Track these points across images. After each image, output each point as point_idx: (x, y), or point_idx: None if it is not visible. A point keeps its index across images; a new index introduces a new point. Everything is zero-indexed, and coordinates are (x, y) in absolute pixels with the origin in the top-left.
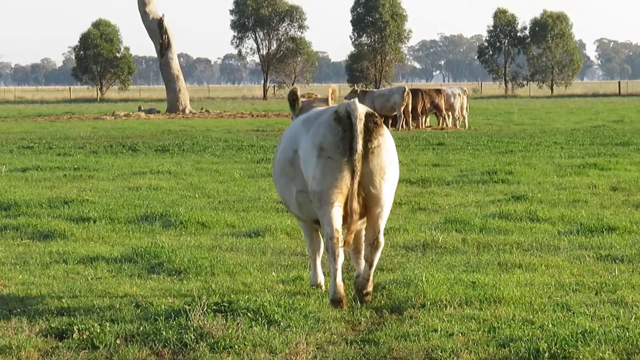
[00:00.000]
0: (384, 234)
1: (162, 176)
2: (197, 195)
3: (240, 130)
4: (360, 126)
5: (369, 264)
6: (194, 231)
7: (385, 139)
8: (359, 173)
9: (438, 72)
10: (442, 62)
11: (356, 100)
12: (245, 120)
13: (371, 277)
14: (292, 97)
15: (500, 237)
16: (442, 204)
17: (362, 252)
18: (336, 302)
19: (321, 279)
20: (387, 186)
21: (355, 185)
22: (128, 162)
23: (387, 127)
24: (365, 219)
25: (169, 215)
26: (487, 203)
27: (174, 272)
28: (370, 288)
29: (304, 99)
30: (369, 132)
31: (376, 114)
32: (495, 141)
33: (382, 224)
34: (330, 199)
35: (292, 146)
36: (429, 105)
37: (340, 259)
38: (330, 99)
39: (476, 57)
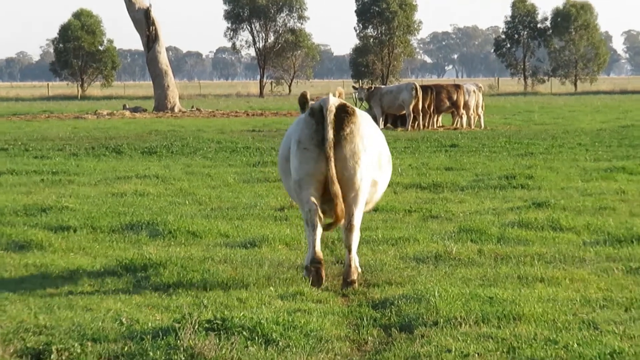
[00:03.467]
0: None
1: (149, 181)
2: (187, 202)
3: (234, 131)
4: (330, 117)
5: (348, 248)
6: (184, 241)
7: (359, 127)
8: (332, 159)
9: (451, 66)
10: (455, 56)
11: (331, 95)
12: (239, 120)
13: (352, 264)
14: (302, 100)
15: (520, 248)
16: (455, 212)
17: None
18: (315, 262)
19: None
20: (362, 171)
21: (332, 171)
22: (111, 165)
23: (396, 127)
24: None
25: (156, 224)
26: (505, 210)
27: (162, 287)
28: (354, 276)
29: (313, 102)
30: (340, 122)
31: (349, 106)
32: (514, 142)
33: (357, 208)
34: (307, 184)
35: (287, 144)
36: (447, 102)
37: (319, 230)
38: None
39: (492, 50)
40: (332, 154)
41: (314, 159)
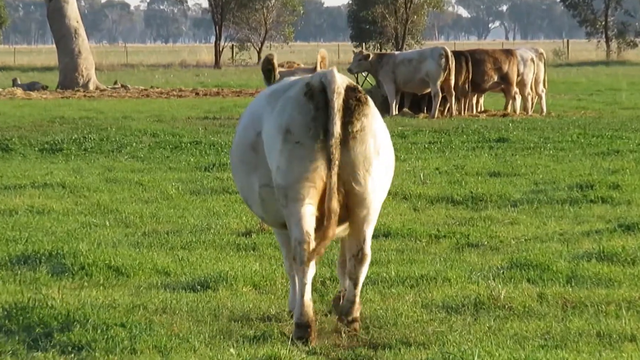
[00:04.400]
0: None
1: (51, 192)
2: (107, 223)
3: (177, 118)
4: (338, 103)
5: (354, 282)
6: (102, 281)
7: (372, 121)
8: (337, 163)
9: (497, 23)
10: (504, 8)
11: (335, 69)
12: (186, 102)
13: (357, 299)
14: (267, 67)
15: (601, 292)
16: (505, 238)
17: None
18: (302, 326)
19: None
20: (375, 182)
21: (334, 178)
22: None
23: (418, 112)
24: (346, 225)
25: (62, 256)
26: (578, 236)
27: (71, 348)
28: (357, 313)
29: (282, 69)
30: (350, 111)
31: (359, 88)
32: (592, 135)
33: (369, 230)
34: (298, 195)
35: (254, 126)
36: (492, 76)
37: (311, 272)
38: (319, 68)
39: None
40: (338, 156)
41: (310, 158)
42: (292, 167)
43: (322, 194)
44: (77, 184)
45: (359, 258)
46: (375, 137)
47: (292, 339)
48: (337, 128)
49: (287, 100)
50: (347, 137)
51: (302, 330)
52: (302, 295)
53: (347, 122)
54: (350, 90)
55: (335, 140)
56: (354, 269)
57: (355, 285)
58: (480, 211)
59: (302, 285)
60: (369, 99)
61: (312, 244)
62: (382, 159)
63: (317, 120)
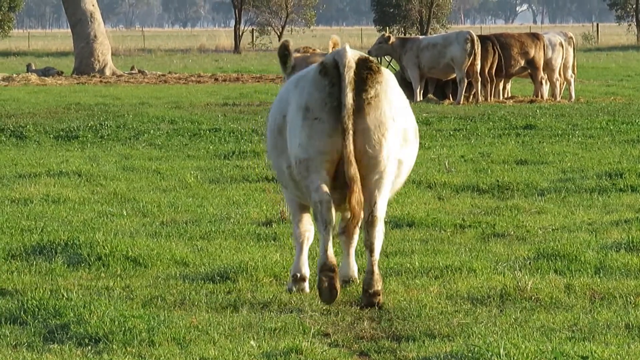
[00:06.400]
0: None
1: (67, 180)
2: (125, 213)
3: (196, 105)
4: (349, 75)
5: (369, 249)
6: (120, 272)
7: (386, 88)
8: (350, 132)
9: (525, 6)
10: None
11: (347, 46)
12: (204, 88)
13: (376, 269)
14: (283, 52)
15: (630, 283)
16: (532, 228)
17: (353, 240)
18: (327, 269)
19: (306, 270)
20: (389, 146)
21: (350, 147)
22: (10, 157)
23: (443, 98)
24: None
25: (78, 246)
26: (607, 225)
27: (88, 340)
28: (378, 286)
29: (297, 55)
30: (363, 81)
31: (371, 60)
32: (621, 122)
33: (381, 195)
34: (319, 166)
35: (281, 111)
36: (519, 61)
37: (331, 228)
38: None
39: None
40: (351, 125)
41: (328, 132)
42: (312, 141)
43: (336, 167)
44: (94, 173)
45: (370, 221)
46: (391, 104)
47: (321, 293)
48: (348, 99)
49: (305, 81)
50: (362, 104)
51: (328, 273)
52: (326, 250)
53: (360, 90)
54: (362, 62)
55: (347, 111)
56: (367, 234)
57: (371, 252)
58: (506, 200)
59: (325, 241)
60: (382, 68)
61: (332, 204)
62: (398, 125)
63: (333, 95)
